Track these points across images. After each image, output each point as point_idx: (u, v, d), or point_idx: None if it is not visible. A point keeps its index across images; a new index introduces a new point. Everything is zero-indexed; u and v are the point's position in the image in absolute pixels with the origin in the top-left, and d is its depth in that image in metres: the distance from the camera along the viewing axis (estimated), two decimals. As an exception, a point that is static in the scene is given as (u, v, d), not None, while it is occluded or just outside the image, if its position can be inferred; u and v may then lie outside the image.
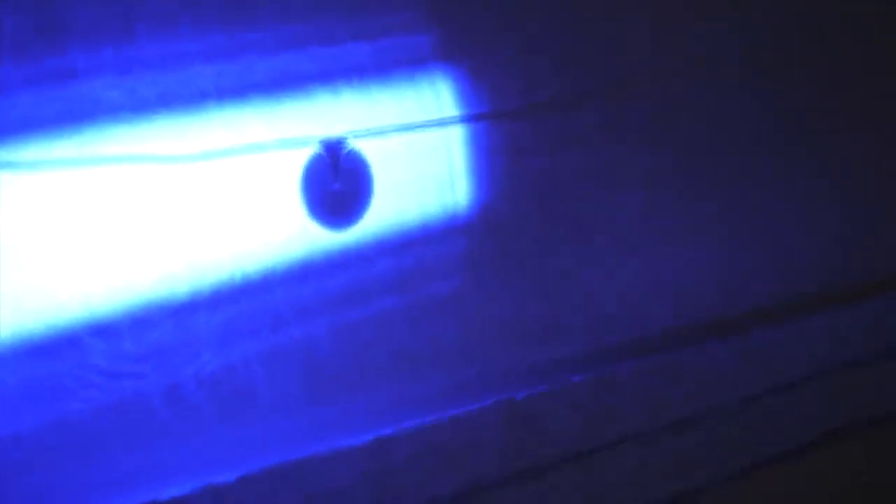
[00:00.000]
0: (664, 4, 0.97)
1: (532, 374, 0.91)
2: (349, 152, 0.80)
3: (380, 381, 0.84)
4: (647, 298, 0.99)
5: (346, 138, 0.80)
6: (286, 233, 0.78)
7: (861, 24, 1.13)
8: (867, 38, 1.14)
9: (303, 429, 0.79)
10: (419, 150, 0.84)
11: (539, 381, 0.90)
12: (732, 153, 1.04)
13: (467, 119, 0.86)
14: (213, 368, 0.75)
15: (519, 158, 0.89)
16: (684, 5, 0.98)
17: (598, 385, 0.92)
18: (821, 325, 1.08)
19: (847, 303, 1.10)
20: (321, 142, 0.79)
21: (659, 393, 0.97)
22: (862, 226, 1.15)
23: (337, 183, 0.79)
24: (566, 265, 0.93)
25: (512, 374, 0.91)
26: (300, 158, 0.79)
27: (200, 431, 0.75)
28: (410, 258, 0.84)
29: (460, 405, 0.85)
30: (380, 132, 0.81)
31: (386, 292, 0.83)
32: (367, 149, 0.81)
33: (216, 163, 0.75)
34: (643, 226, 0.98)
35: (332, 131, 0.79)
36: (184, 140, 0.73)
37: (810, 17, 1.07)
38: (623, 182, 0.96)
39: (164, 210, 0.73)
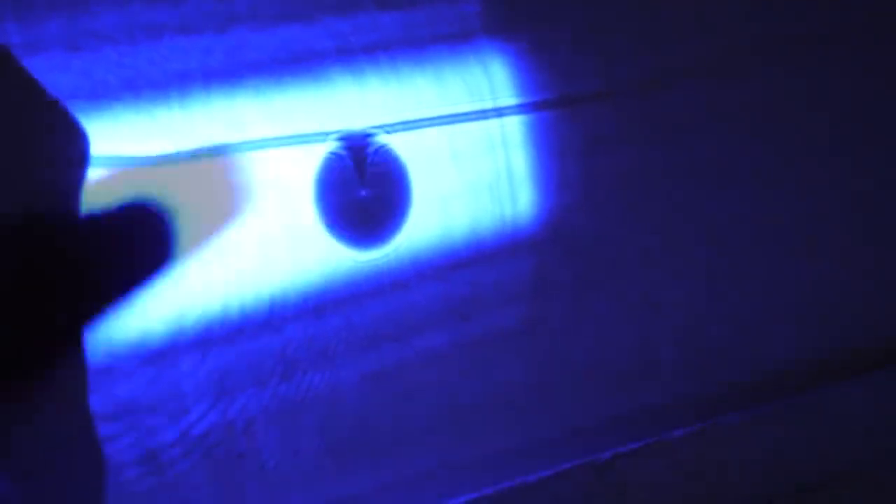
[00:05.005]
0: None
1: (619, 427, 0.87)
2: (377, 150, 0.75)
3: (424, 443, 0.79)
4: (761, 329, 0.92)
5: (372, 133, 0.75)
6: (298, 253, 0.73)
7: None
8: None
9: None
10: (468, 146, 0.79)
11: (629, 437, 0.85)
12: (859, 144, 0.96)
13: (528, 108, 0.81)
14: (203, 428, 0.71)
15: (594, 156, 0.84)
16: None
17: (701, 440, 0.87)
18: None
19: None
20: (341, 137, 0.74)
21: (779, 448, 0.92)
22: None
23: (363, 189, 0.75)
24: (658, 288, 0.88)
25: (594, 429, 0.86)
26: (314, 159, 0.73)
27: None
28: (461, 284, 0.79)
29: (529, 471, 0.80)
30: (417, 125, 0.77)
31: (430, 328, 0.79)
32: (400, 146, 0.75)
33: (202, 165, 0.69)
34: (753, 236, 0.92)
35: (355, 124, 0.74)
36: (158, 137, 0.67)
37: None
38: (726, 181, 0.90)
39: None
